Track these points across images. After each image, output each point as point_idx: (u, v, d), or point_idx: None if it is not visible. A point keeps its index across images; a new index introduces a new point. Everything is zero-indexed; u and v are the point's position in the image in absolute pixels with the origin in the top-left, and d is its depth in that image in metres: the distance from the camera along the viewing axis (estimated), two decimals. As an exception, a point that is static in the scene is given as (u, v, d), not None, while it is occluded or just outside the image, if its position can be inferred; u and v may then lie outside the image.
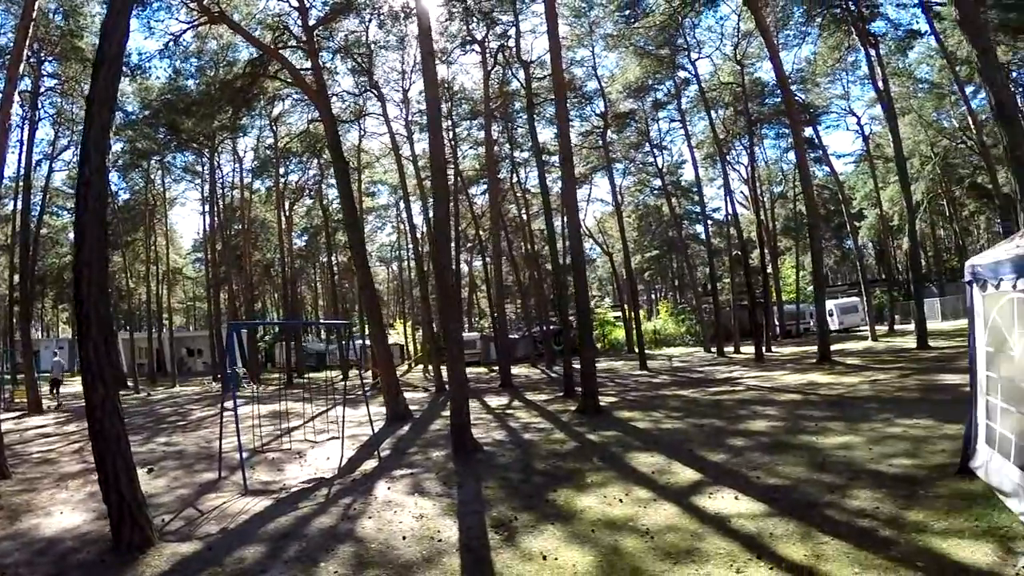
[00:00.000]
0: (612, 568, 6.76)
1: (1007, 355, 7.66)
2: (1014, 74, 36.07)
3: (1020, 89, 37.17)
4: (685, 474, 10.52)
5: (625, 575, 6.56)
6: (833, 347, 31.95)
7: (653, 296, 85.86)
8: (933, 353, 26.93)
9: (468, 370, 38.62)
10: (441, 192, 16.31)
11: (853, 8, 33.63)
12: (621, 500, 9.10)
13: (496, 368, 36.00)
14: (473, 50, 33.79)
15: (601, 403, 19.54)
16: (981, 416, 8.44)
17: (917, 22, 35.01)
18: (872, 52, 34.56)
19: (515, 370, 37.13)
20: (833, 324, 52.69)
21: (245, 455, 12.42)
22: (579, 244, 22.09)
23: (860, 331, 46.44)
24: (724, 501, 8.75)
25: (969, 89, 34.74)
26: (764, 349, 37.20)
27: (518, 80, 33.23)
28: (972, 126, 37.54)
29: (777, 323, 54.54)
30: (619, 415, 18.01)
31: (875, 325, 43.85)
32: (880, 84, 34.58)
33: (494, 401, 23.59)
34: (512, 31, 31.79)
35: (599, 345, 59.26)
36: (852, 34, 35.38)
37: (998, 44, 31.65)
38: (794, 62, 42.35)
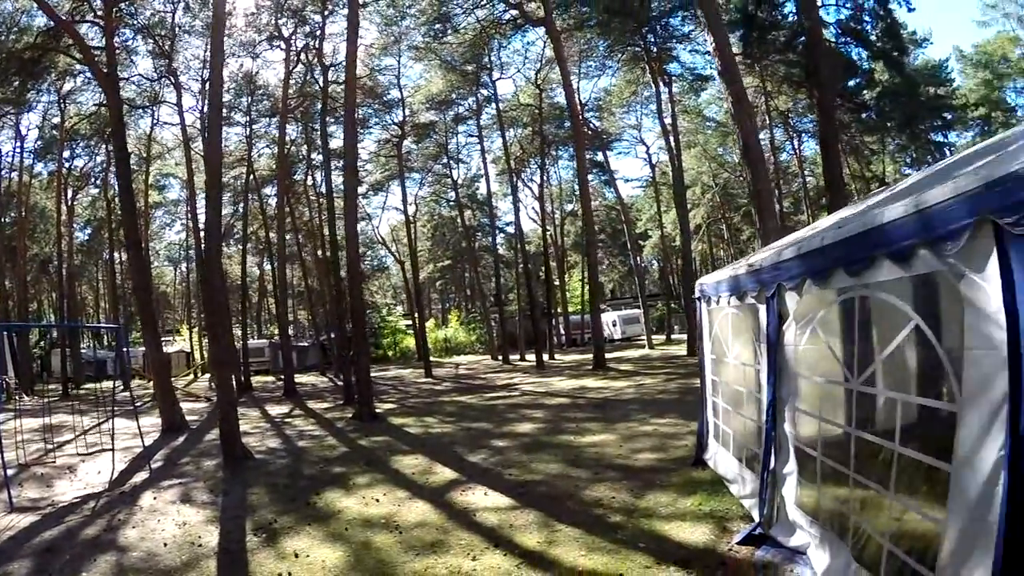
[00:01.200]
0: (359, 562, 6.96)
1: (725, 362, 8.77)
2: (798, 120, 40.54)
3: (805, 135, 41.75)
4: (444, 474, 10.88)
5: (370, 568, 6.81)
6: (613, 355, 33.69)
7: (448, 305, 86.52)
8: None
9: (256, 379, 37.91)
10: (213, 192, 15.71)
11: (653, 48, 36.31)
12: (379, 500, 9.32)
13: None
14: (279, 46, 32.96)
15: (378, 410, 19.89)
16: (710, 415, 9.56)
17: (709, 67, 37.79)
18: (665, 89, 37.53)
19: (303, 378, 36.65)
20: (616, 333, 55.61)
21: (12, 471, 11.72)
22: (355, 251, 22.09)
23: (640, 340, 49.01)
24: (475, 497, 9.18)
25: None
26: (548, 357, 38.74)
27: (316, 82, 32.60)
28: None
29: (563, 332, 56.71)
30: (394, 421, 18.22)
31: (652, 335, 46.72)
32: (668, 119, 37.61)
33: (275, 410, 23.17)
34: (320, 31, 31.64)
35: (390, 353, 59.26)
36: (647, 72, 38.14)
37: (781, 93, 35.40)
38: (592, 91, 45.12)
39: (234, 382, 18.40)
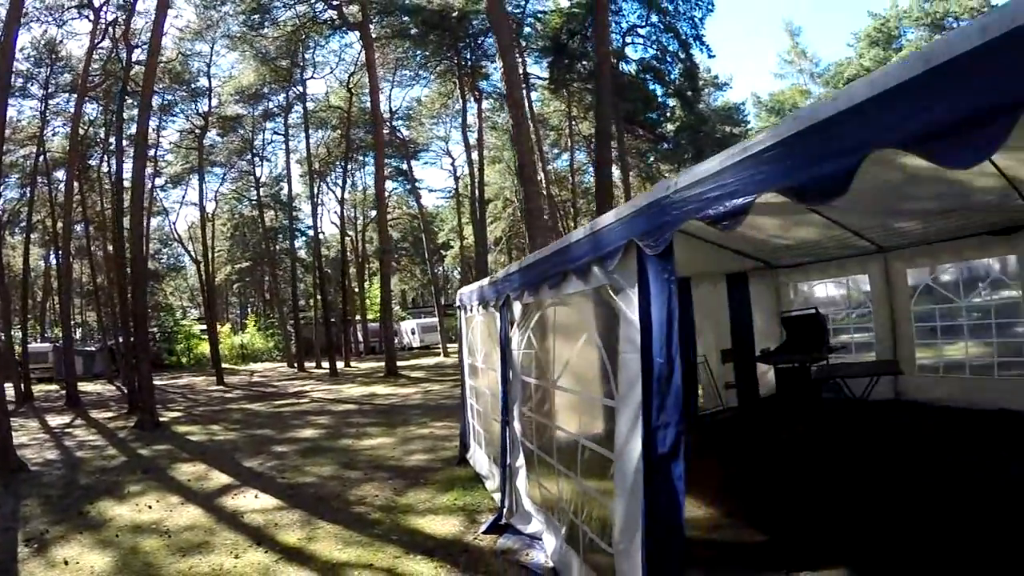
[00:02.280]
0: (126, 565, 7.00)
1: (476, 366, 9.42)
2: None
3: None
4: (220, 479, 10.90)
5: (137, 570, 6.87)
6: (409, 363, 34.00)
7: (247, 310, 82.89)
8: (486, 366, 29.71)
9: (39, 387, 34.75)
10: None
11: (467, 64, 37.14)
12: (151, 507, 9.25)
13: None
14: (87, 16, 29.56)
15: (164, 418, 19.31)
16: (470, 417, 10.13)
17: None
18: (476, 105, 38.47)
19: (89, 386, 33.91)
20: (415, 341, 55.90)
21: None
22: (141, 247, 21.24)
23: (438, 348, 49.65)
24: (246, 500, 9.34)
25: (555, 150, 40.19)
26: (344, 365, 38.53)
27: (121, 60, 29.88)
28: (543, 179, 43.09)
29: (361, 340, 56.23)
30: (178, 429, 17.72)
31: (449, 343, 47.28)
32: (475, 134, 38.36)
33: (56, 420, 21.63)
34: (132, 5, 28.49)
35: (184, 360, 56.19)
36: (459, 86, 38.78)
37: (586, 119, 37.29)
38: (404, 100, 44.97)
39: (12, 390, 17.04)
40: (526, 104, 21.03)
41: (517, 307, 6.57)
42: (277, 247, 54.18)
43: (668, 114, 37.42)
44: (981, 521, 5.72)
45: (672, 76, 37.05)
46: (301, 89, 40.76)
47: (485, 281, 8.32)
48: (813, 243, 10.96)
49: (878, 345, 11.28)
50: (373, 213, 56.27)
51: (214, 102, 40.27)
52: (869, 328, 11.85)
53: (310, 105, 42.49)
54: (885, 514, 6.20)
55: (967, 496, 6.45)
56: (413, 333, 56.57)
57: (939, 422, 9.55)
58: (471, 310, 9.47)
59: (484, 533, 6.91)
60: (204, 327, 52.53)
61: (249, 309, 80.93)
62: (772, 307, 12.92)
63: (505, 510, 7.05)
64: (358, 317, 54.74)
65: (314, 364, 42.62)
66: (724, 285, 12.43)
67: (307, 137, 41.55)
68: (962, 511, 6.00)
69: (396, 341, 49.87)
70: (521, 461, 6.79)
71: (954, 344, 10.88)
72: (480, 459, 9.38)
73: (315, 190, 45.30)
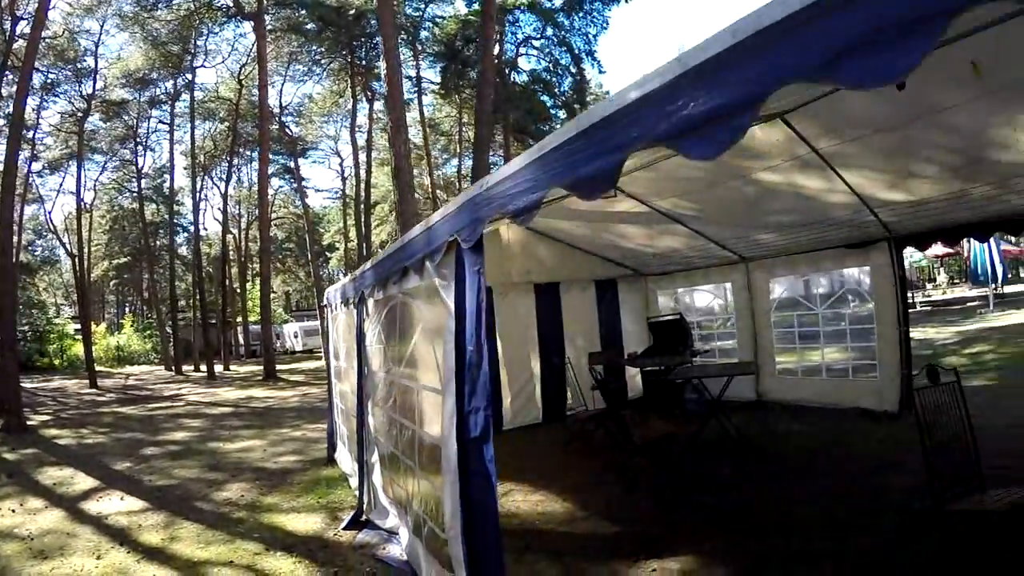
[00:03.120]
0: (-18, 572, 6.78)
1: (340, 366, 9.49)
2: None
3: (494, 167, 43.94)
4: (86, 483, 10.53)
5: (-6, 576, 6.67)
6: (289, 366, 33.40)
7: (127, 309, 78.74)
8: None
9: None
10: None
11: (361, 63, 36.72)
12: (14, 511, 8.98)
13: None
14: None
15: (32, 422, 18.52)
16: (336, 416, 10.15)
17: (415, 91, 39.07)
18: (368, 106, 38.00)
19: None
20: (298, 345, 54.66)
21: None
22: (10, 238, 20.18)
23: (320, 352, 48.79)
24: (111, 503, 9.09)
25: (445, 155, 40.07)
26: (223, 368, 37.50)
27: (3, 32, 27.63)
28: (430, 184, 43.07)
29: (243, 343, 54.79)
30: (46, 433, 16.94)
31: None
32: (365, 135, 37.96)
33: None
34: None
35: (57, 362, 53.40)
36: (350, 85, 38.39)
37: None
38: (295, 95, 43.57)
39: None
40: (405, 108, 20.96)
41: (371, 304, 6.69)
42: (158, 243, 51.53)
43: (557, 125, 38.08)
44: (818, 504, 6.20)
45: (562, 89, 37.93)
46: (190, 77, 38.92)
47: (347, 279, 8.39)
48: (679, 252, 11.40)
49: (740, 350, 11.81)
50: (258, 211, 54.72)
51: (99, 84, 36.89)
52: (734, 334, 12.40)
53: (199, 95, 40.74)
54: (735, 502, 6.65)
55: (809, 481, 6.98)
56: (296, 336, 55.27)
57: (795, 419, 10.16)
58: (335, 308, 9.53)
59: (344, 529, 6.99)
60: (79, 327, 49.93)
61: (128, 309, 77.13)
62: (642, 312, 13.38)
63: (364, 506, 7.17)
64: (240, 319, 53.13)
65: (192, 367, 41.32)
66: (593, 291, 12.81)
67: (192, 128, 39.43)
68: (802, 496, 6.51)
69: (279, 344, 49.04)
70: (376, 457, 6.90)
71: (813, 349, 11.52)
72: (345, 458, 9.47)
73: (198, 184, 43.31)
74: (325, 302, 10.51)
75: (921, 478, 4.78)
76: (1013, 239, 30.14)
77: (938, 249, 34.87)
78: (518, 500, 7.59)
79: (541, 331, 12.08)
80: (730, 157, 7.36)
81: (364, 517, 7.09)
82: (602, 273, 12.92)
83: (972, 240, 23.63)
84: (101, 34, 35.43)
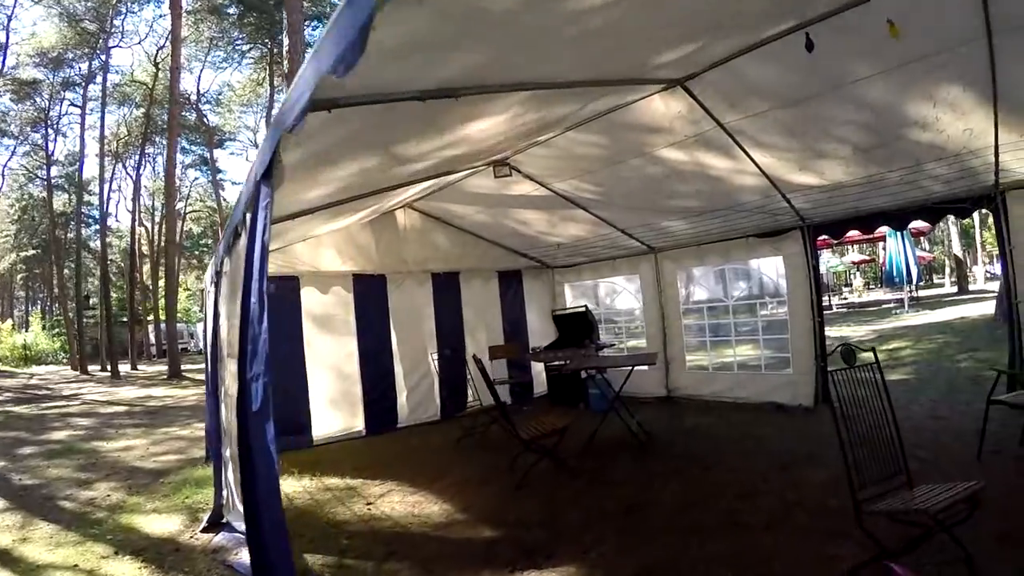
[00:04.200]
0: None
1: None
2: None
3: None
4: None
5: None
6: (199, 365, 31.92)
7: (37, 306, 74.84)
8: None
9: None
10: None
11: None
12: None
13: None
14: None
15: (-86, 423, 17.06)
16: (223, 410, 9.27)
17: None
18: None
19: None
20: (201, 344, 52.86)
21: None
22: None
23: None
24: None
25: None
26: (131, 367, 35.92)
27: None
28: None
29: (154, 341, 52.66)
30: (-75, 433, 15.70)
31: (234, 345, 44.94)
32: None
33: None
34: None
35: (-39, 362, 50.45)
36: (268, 73, 37.03)
37: None
38: (213, 83, 41.58)
39: None
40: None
41: (222, 280, 5.97)
42: (68, 235, 48.70)
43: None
44: (724, 502, 5.68)
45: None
46: (104, 58, 36.25)
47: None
48: (585, 241, 10.90)
49: (649, 344, 11.34)
50: (179, 205, 52.62)
51: (11, 61, 35.09)
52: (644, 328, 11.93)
53: (115, 78, 38.62)
54: (631, 502, 6.12)
55: (715, 478, 6.48)
56: (194, 336, 53.61)
57: (705, 414, 9.74)
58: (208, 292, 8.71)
59: (202, 532, 6.35)
60: (-12, 324, 47.38)
61: (38, 305, 73.57)
62: (549, 306, 12.86)
63: (222, 507, 6.48)
64: (152, 317, 51.00)
65: (99, 367, 39.47)
66: (496, 282, 12.27)
67: (103, 112, 36.22)
68: (706, 494, 5.95)
69: (192, 344, 47.25)
70: (229, 452, 6.14)
71: (725, 342, 11.11)
72: (224, 454, 8.60)
73: (106, 173, 40.01)
74: (204, 286, 9.70)
75: (838, 472, 4.32)
76: (927, 247, 30.88)
77: (855, 256, 36.23)
78: (394, 501, 6.96)
79: (439, 324, 11.50)
80: (630, 131, 6.86)
81: (224, 519, 6.40)
82: (506, 264, 12.38)
83: (887, 247, 25.13)
84: (14, 7, 33.49)
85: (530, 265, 12.71)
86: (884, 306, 27.47)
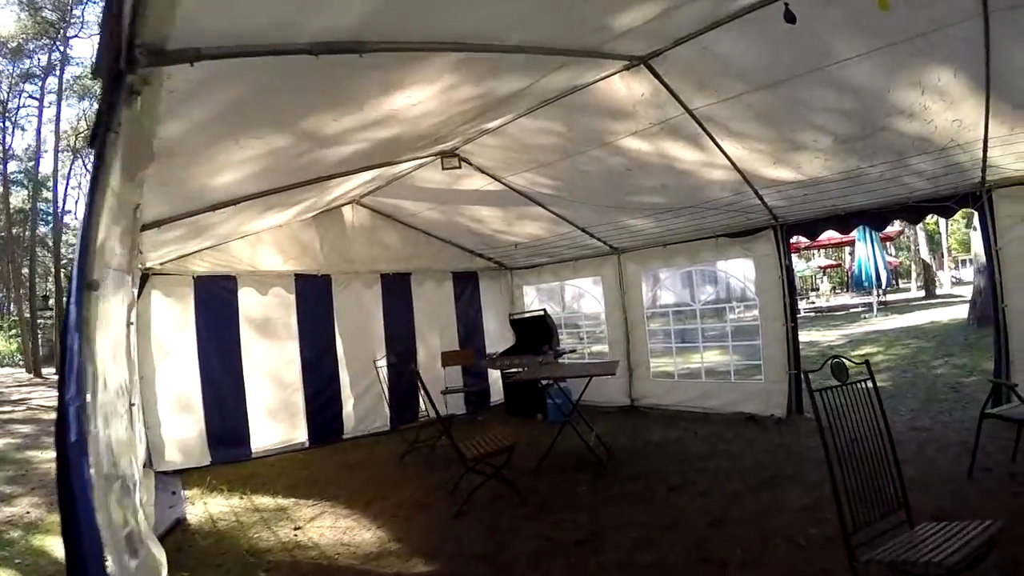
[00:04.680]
0: None
1: None
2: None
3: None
4: None
5: None
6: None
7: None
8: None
9: None
10: None
11: None
12: None
13: None
14: None
15: None
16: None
17: None
18: None
19: None
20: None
21: None
22: None
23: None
24: None
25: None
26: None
27: None
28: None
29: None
30: None
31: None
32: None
33: None
34: None
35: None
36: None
37: None
38: None
39: None
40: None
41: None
42: (25, 232, 46.93)
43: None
44: (691, 530, 4.99)
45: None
46: (64, 49, 35.01)
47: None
48: (544, 241, 10.25)
49: (612, 350, 10.70)
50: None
51: None
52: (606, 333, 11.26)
53: (75, 70, 36.91)
54: (586, 529, 5.46)
55: (682, 501, 5.79)
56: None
57: (671, 426, 9.03)
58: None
59: None
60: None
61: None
62: (507, 310, 12.19)
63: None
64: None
65: (55, 369, 38.01)
66: (451, 284, 11.59)
67: (59, 105, 35.10)
68: (671, 520, 5.27)
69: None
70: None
71: (692, 349, 10.53)
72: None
73: (64, 169, 39.17)
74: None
75: (820, 494, 3.63)
76: (894, 252, 30.83)
77: (821, 261, 36.21)
78: (325, 526, 6.25)
79: (389, 328, 10.78)
80: (589, 117, 6.20)
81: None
82: (461, 264, 11.70)
83: (855, 252, 24.91)
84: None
85: (487, 266, 12.03)
86: (852, 310, 27.20)
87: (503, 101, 5.44)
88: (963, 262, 47.32)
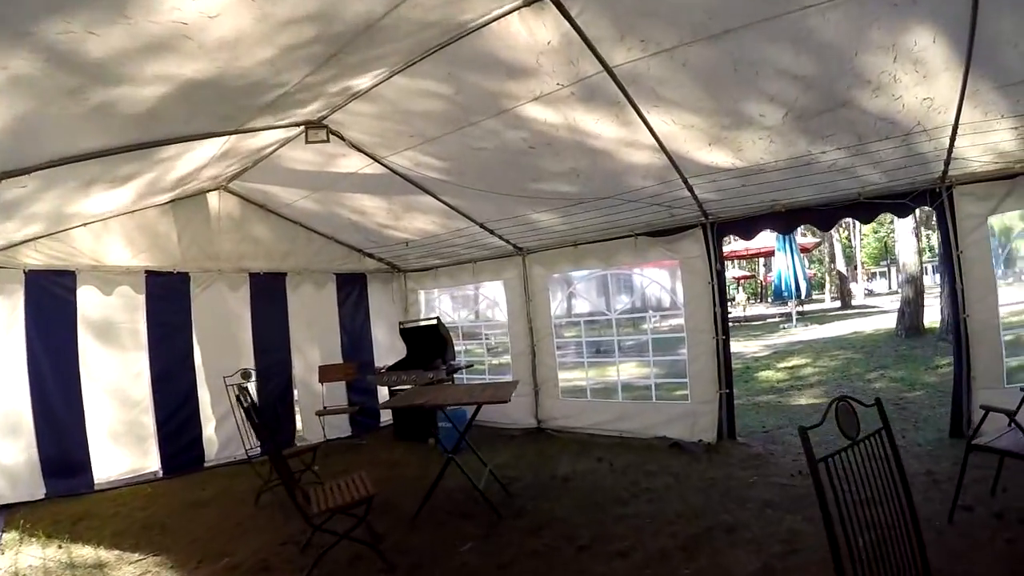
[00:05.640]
0: None
1: None
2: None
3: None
4: None
5: None
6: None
7: None
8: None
9: None
10: None
11: None
12: None
13: None
14: None
15: None
16: None
17: None
18: None
19: None
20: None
21: None
22: None
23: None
24: None
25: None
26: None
27: None
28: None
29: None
30: None
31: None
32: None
33: None
34: None
35: None
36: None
37: None
38: None
39: None
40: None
41: None
42: None
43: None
44: None
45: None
46: None
47: None
48: (439, 240, 8.90)
49: (514, 364, 9.41)
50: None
51: None
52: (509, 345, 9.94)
53: None
54: None
55: (597, 564, 4.46)
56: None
57: (581, 455, 7.68)
58: None
59: None
60: None
61: None
62: (401, 317, 10.73)
63: None
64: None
65: None
66: (334, 287, 10.13)
67: None
68: None
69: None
70: None
71: (607, 363, 9.45)
72: None
73: None
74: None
75: (772, 556, 2.42)
76: (807, 263, 31.01)
77: (736, 271, 36.19)
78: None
79: (258, 337, 9.16)
80: (482, 73, 4.84)
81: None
82: (347, 265, 10.25)
83: (775, 262, 24.64)
84: None
85: (378, 268, 10.61)
86: (770, 320, 27.00)
87: (361, 41, 4.01)
88: (874, 275, 48.25)
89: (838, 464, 2.33)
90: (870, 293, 39.59)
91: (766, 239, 23.10)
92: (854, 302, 32.68)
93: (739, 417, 7.99)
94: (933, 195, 6.36)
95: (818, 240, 33.02)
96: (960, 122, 5.09)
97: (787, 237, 21.98)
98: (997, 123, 5.14)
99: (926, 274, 26.13)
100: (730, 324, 7.78)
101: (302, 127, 5.87)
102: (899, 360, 12.70)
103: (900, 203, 6.43)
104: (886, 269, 48.51)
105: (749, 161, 5.83)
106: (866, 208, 6.58)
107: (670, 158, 5.87)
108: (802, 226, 7.38)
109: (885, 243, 44.22)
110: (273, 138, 6.21)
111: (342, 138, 6.21)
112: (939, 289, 17.68)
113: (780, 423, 8.53)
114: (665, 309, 9.03)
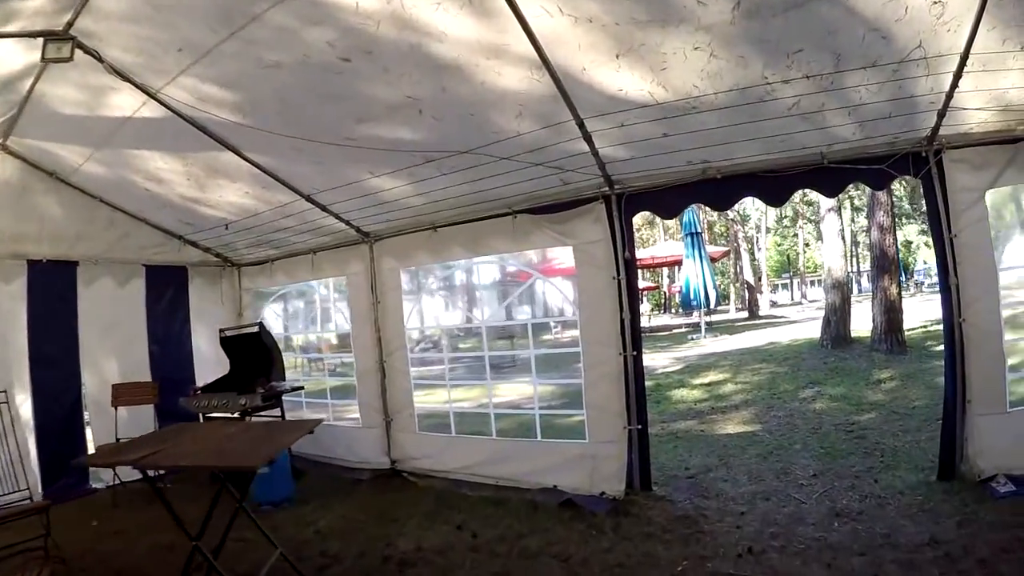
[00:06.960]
0: None
1: None
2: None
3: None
4: None
5: None
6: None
7: None
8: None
9: None
10: None
11: None
12: None
13: None
14: None
15: None
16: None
17: None
18: None
19: None
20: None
21: None
22: None
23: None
24: None
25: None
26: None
27: None
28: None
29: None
30: None
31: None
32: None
33: None
34: None
35: None
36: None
37: None
38: None
39: None
40: None
41: None
42: None
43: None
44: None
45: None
46: None
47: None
48: (261, 219, 6.78)
49: (359, 383, 7.29)
50: None
51: None
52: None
53: None
54: None
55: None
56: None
57: (438, 517, 5.56)
58: None
59: None
60: None
61: None
62: (231, 322, 8.40)
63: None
64: None
65: None
66: (143, 283, 7.82)
67: None
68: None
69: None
70: None
71: (477, 384, 7.63)
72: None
73: None
74: None
75: None
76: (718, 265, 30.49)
77: (640, 283, 35.17)
78: None
79: (36, 343, 6.77)
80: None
81: None
82: (161, 255, 7.93)
83: (683, 270, 23.53)
84: None
85: (204, 260, 8.34)
86: (677, 331, 25.78)
87: None
88: (776, 287, 48.51)
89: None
90: (775, 304, 39.38)
91: (672, 247, 21.71)
92: (760, 312, 32.07)
93: (654, 452, 5.90)
94: (917, 161, 4.76)
95: (726, 249, 32.61)
96: (972, 51, 3.60)
97: (697, 243, 21.11)
98: (1013, 59, 3.71)
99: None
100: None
101: (40, 37, 3.70)
102: (832, 374, 11.20)
103: (876, 168, 4.67)
104: (788, 281, 48.81)
105: (676, 91, 3.91)
106: (832, 175, 4.82)
107: (557, 81, 3.86)
108: (746, 198, 5.35)
109: (788, 256, 44.02)
110: (18, 61, 4.03)
111: (97, 57, 4.01)
112: (869, 296, 16.40)
113: (708, 462, 6.54)
114: (559, 316, 7.07)
